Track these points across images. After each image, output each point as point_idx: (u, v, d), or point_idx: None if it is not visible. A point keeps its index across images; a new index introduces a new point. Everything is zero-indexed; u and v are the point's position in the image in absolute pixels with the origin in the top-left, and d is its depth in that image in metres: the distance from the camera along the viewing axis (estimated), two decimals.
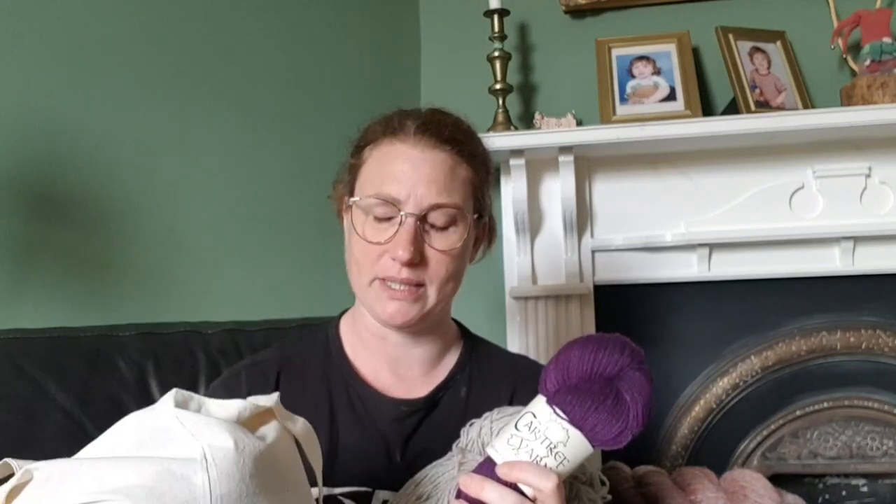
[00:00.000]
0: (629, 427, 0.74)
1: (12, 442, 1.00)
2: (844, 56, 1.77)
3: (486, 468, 0.75)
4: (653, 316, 1.79)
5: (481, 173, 0.95)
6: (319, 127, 1.73)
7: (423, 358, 0.98)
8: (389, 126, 0.92)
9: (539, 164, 1.77)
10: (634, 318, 1.79)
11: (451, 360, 1.00)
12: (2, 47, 1.35)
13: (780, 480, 1.57)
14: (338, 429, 0.93)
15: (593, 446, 0.75)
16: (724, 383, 1.77)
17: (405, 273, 0.88)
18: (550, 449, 0.73)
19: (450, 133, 0.91)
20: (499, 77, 1.77)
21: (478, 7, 1.80)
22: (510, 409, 0.87)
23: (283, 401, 0.89)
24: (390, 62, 1.94)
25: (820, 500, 1.80)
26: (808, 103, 1.75)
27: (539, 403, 0.76)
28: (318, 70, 1.80)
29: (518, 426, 0.75)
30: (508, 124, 1.76)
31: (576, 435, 0.73)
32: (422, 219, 0.88)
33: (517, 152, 1.71)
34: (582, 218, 1.78)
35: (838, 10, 1.75)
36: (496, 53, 1.76)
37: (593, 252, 1.80)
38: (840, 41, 1.74)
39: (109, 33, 1.49)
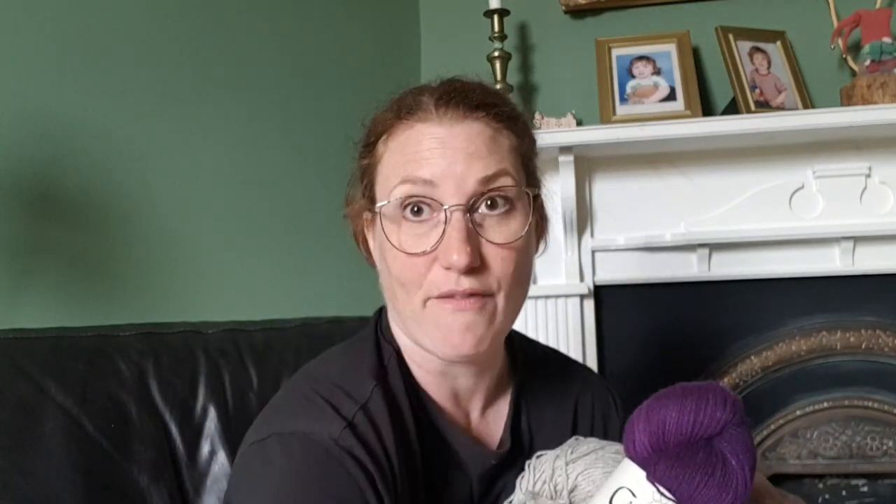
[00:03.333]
0: (739, 496, 0.64)
1: (12, 442, 1.00)
2: (844, 56, 1.77)
3: None
4: (653, 316, 1.79)
5: (527, 140, 0.77)
6: (320, 128, 1.73)
7: (486, 388, 0.80)
8: (403, 108, 0.74)
9: (539, 163, 1.77)
10: (634, 318, 1.79)
11: (510, 386, 0.83)
12: (2, 47, 1.35)
13: (780, 480, 1.57)
14: (434, 482, 0.75)
15: None
16: (724, 383, 1.77)
17: (466, 283, 0.69)
18: None
19: (479, 98, 0.73)
20: (499, 77, 1.77)
21: (478, 7, 1.80)
22: (583, 448, 0.74)
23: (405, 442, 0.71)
24: (390, 62, 1.94)
25: (820, 500, 1.79)
26: (808, 103, 1.75)
27: (635, 476, 0.64)
28: (318, 70, 1.80)
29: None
30: None
31: None
32: (469, 210, 0.69)
33: None
34: (582, 218, 1.78)
35: (838, 10, 1.75)
36: (496, 53, 1.76)
37: (593, 252, 1.80)
38: (840, 41, 1.74)
39: (109, 33, 1.49)
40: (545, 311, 1.76)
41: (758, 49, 1.78)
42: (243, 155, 1.67)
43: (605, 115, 1.76)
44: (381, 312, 0.82)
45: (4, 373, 1.04)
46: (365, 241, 0.81)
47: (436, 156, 0.70)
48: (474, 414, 0.80)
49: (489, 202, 0.70)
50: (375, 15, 1.93)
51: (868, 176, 1.73)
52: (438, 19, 1.97)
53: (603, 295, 1.80)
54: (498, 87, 1.75)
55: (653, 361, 1.79)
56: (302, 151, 1.73)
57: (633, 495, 0.64)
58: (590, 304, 1.79)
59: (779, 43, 1.81)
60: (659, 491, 0.63)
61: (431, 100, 0.73)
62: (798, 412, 1.76)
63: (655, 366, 1.78)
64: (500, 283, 0.71)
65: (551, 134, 1.69)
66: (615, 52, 1.83)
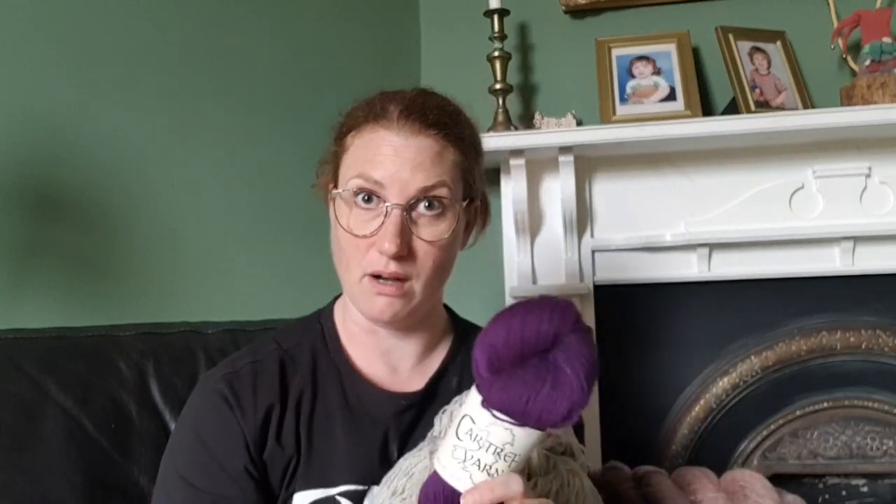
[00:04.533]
0: (575, 403, 0.66)
1: (12, 442, 1.00)
2: (844, 56, 1.77)
3: (440, 491, 0.69)
4: (653, 316, 1.79)
5: (470, 156, 0.91)
6: (320, 128, 1.72)
7: (416, 350, 0.96)
8: (372, 111, 0.89)
9: (539, 164, 1.77)
10: (634, 318, 1.78)
11: (443, 350, 0.98)
12: (2, 47, 1.35)
13: (780, 480, 1.57)
14: (335, 425, 0.91)
15: (544, 430, 0.68)
16: (724, 383, 1.77)
17: (392, 267, 0.85)
18: (498, 453, 0.67)
19: (435, 117, 0.87)
20: (499, 77, 1.77)
21: (478, 7, 1.80)
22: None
23: (290, 397, 0.90)
24: (390, 62, 1.94)
25: (820, 500, 1.80)
26: (808, 103, 1.75)
27: (475, 402, 0.68)
28: (318, 70, 1.80)
29: (459, 434, 0.68)
30: (508, 124, 1.76)
31: (521, 432, 0.67)
32: (408, 209, 0.85)
33: (517, 152, 1.71)
34: (582, 218, 1.78)
35: (838, 10, 1.75)
36: (496, 53, 1.76)
37: (593, 252, 1.80)
38: (840, 41, 1.74)
39: (109, 34, 1.49)
40: None
41: (758, 49, 1.78)
42: (243, 155, 1.67)
43: (605, 115, 1.76)
44: (335, 298, 1.00)
45: (4, 373, 1.04)
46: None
47: (388, 161, 0.85)
48: (404, 370, 0.96)
49: (427, 203, 0.86)
50: (375, 15, 1.93)
51: (868, 176, 1.73)
52: (438, 19, 1.97)
53: (603, 295, 1.80)
54: (497, 86, 1.77)
55: (653, 361, 1.79)
56: (302, 151, 1.72)
57: (473, 422, 0.68)
58: (590, 304, 1.78)
59: (779, 43, 1.81)
60: (493, 415, 0.67)
61: (396, 110, 0.87)
62: (798, 412, 1.76)
63: (655, 366, 1.78)
64: (419, 273, 0.87)
65: (551, 134, 1.70)
66: (615, 52, 1.83)
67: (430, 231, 0.87)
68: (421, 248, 0.86)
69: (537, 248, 1.80)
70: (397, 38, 1.96)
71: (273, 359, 0.93)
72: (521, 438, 0.67)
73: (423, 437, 0.90)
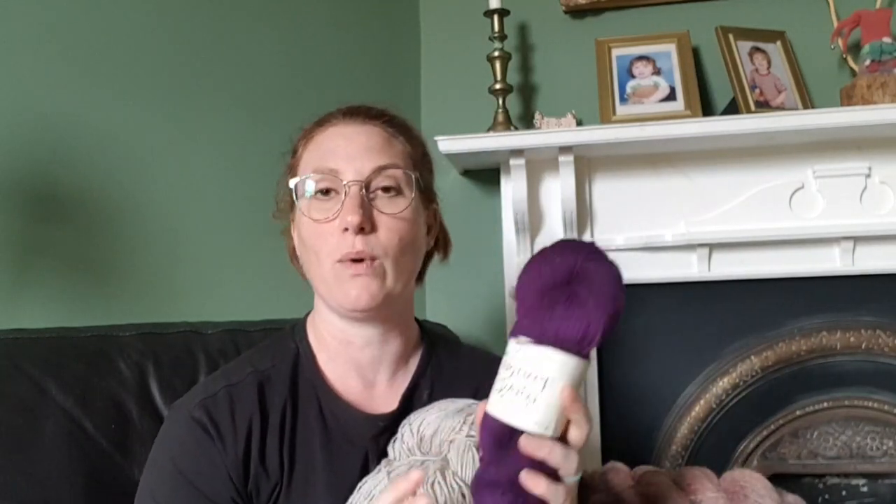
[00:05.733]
0: (593, 321, 0.69)
1: (12, 442, 1.00)
2: (844, 56, 1.77)
3: (484, 422, 0.71)
4: (653, 316, 1.79)
5: (418, 150, 0.95)
6: None
7: (391, 359, 0.95)
8: (317, 121, 0.96)
9: (539, 164, 1.77)
10: (634, 318, 1.78)
11: (413, 362, 0.98)
12: (2, 47, 1.35)
13: (780, 480, 1.57)
14: (315, 449, 0.90)
15: (574, 354, 0.70)
16: (724, 383, 1.77)
17: (359, 244, 0.87)
18: (528, 376, 0.69)
19: (377, 111, 0.94)
20: (499, 77, 1.77)
21: (478, 7, 1.80)
22: (425, 408, 0.88)
23: (271, 421, 0.90)
24: (390, 62, 1.94)
25: (820, 500, 1.80)
26: (808, 103, 1.75)
27: (509, 339, 0.73)
28: (317, 70, 1.80)
29: (500, 370, 0.73)
30: (508, 124, 1.76)
31: (545, 351, 0.69)
32: (366, 187, 0.88)
33: (517, 152, 1.71)
34: (582, 218, 1.78)
35: (838, 10, 1.75)
36: (496, 53, 1.76)
37: None
38: (840, 41, 1.74)
39: (109, 33, 1.49)
40: None
41: (758, 49, 1.78)
42: (243, 155, 1.67)
43: (605, 115, 1.76)
44: (305, 315, 1.00)
45: (4, 373, 1.04)
46: (292, 246, 0.99)
47: (341, 147, 0.90)
48: (380, 384, 0.95)
49: (383, 186, 0.89)
50: (375, 15, 1.93)
51: (868, 176, 1.73)
52: (438, 19, 1.97)
53: None
54: (497, 86, 1.77)
55: (653, 361, 1.79)
56: None
57: (507, 353, 0.73)
58: None
59: (779, 43, 1.81)
60: (518, 341, 0.71)
61: (340, 112, 0.94)
62: (798, 412, 1.76)
63: (655, 366, 1.78)
64: (387, 249, 0.88)
65: (551, 134, 1.69)
66: (615, 52, 1.83)
67: (391, 205, 0.89)
68: (383, 222, 0.88)
69: (537, 248, 1.78)
70: (397, 38, 1.96)
71: (250, 382, 0.91)
72: (547, 359, 0.69)
73: None
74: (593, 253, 0.74)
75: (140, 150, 1.51)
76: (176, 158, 1.56)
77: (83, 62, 1.45)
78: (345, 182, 0.88)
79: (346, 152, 0.89)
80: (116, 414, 1.08)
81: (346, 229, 0.87)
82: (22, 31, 1.38)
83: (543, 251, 0.76)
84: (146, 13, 1.55)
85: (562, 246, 0.75)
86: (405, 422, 0.88)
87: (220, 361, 1.16)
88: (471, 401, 0.90)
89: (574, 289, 0.71)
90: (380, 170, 0.89)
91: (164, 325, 1.22)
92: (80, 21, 1.46)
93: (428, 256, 1.01)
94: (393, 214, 0.89)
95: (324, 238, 0.89)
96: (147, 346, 1.15)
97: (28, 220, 1.36)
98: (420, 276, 1.00)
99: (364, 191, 0.88)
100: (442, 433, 0.84)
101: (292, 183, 0.93)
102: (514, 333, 0.72)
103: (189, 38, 1.62)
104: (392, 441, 0.89)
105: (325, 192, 0.89)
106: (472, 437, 0.80)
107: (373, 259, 0.88)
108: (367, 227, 0.87)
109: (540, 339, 0.70)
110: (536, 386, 0.69)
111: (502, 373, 0.72)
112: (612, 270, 0.73)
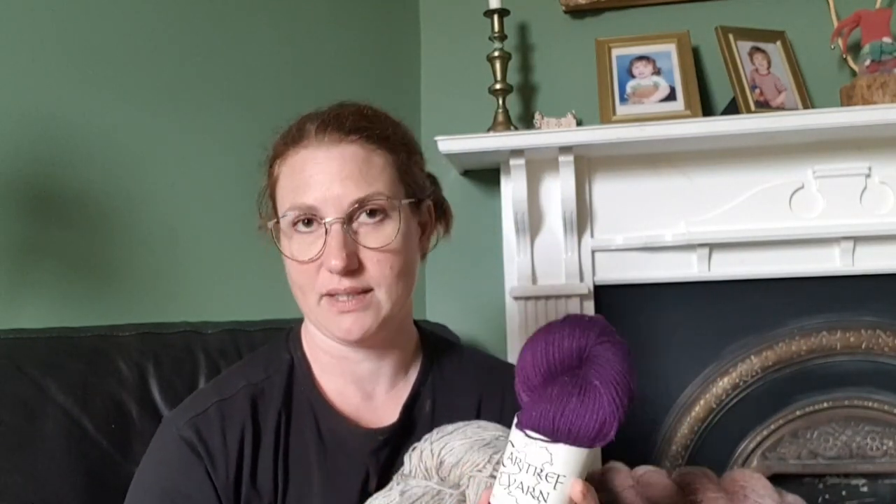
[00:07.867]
0: (609, 416, 0.65)
1: (12, 442, 1.00)
2: (844, 56, 1.77)
3: None
4: (653, 316, 1.79)
5: (401, 154, 0.88)
6: None
7: (390, 371, 0.92)
8: (290, 135, 0.89)
9: (539, 164, 1.77)
10: (634, 318, 1.79)
11: (413, 372, 0.94)
12: (2, 47, 1.35)
13: (780, 480, 1.57)
14: (311, 466, 0.86)
15: (585, 447, 0.67)
16: (724, 383, 1.77)
17: (346, 283, 0.82)
18: (538, 474, 0.66)
19: (352, 123, 0.85)
20: (499, 77, 1.77)
21: (478, 7, 1.80)
22: (450, 428, 0.83)
23: (264, 438, 0.86)
24: (390, 62, 1.94)
25: (820, 500, 1.80)
26: (808, 103, 1.75)
27: (513, 428, 0.69)
28: (317, 69, 1.80)
29: (504, 461, 0.69)
30: (508, 124, 1.76)
31: (558, 449, 0.66)
32: (347, 221, 0.82)
33: (517, 152, 1.71)
34: (582, 218, 1.78)
35: (838, 10, 1.75)
36: (496, 53, 1.76)
37: (593, 252, 1.80)
38: (840, 41, 1.74)
39: (109, 32, 1.49)
40: (545, 311, 1.76)
41: (758, 49, 1.78)
42: (243, 155, 1.66)
43: (605, 115, 1.76)
44: (299, 323, 0.95)
45: (4, 373, 1.04)
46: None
47: (316, 183, 0.83)
48: (379, 395, 0.91)
49: (367, 212, 0.83)
50: (375, 15, 1.93)
51: (868, 176, 1.73)
52: (438, 19, 1.97)
53: (603, 295, 1.80)
54: (497, 86, 1.77)
55: (652, 362, 1.78)
56: None
57: (513, 445, 0.68)
58: (590, 304, 1.79)
59: (779, 43, 1.81)
60: (527, 435, 0.67)
61: (313, 127, 0.86)
62: (798, 412, 1.76)
63: (655, 366, 1.78)
64: (378, 281, 0.83)
65: (551, 134, 1.69)
66: (615, 52, 1.83)
67: (375, 238, 0.83)
68: (370, 257, 0.83)
69: (537, 248, 1.80)
70: (397, 38, 1.96)
71: (242, 396, 0.88)
72: (559, 456, 0.66)
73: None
74: (604, 333, 0.69)
75: (140, 150, 1.51)
76: (176, 158, 1.56)
77: (83, 63, 1.45)
78: (325, 221, 0.82)
79: (323, 185, 0.82)
80: (116, 414, 1.08)
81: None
82: (22, 31, 1.38)
83: (550, 327, 0.71)
84: (146, 14, 1.55)
85: (571, 324, 0.70)
86: (426, 437, 0.84)
87: (219, 361, 1.16)
88: (499, 433, 0.84)
89: (588, 380, 0.67)
90: (360, 202, 0.82)
91: (164, 325, 1.22)
92: (80, 21, 1.46)
93: (427, 238, 0.95)
94: (380, 248, 0.83)
95: (307, 274, 0.84)
96: (147, 346, 1.15)
97: (28, 221, 1.36)
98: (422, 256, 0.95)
99: (346, 226, 0.82)
100: (464, 465, 0.80)
101: (271, 224, 0.89)
102: (522, 425, 0.68)
103: (189, 39, 1.61)
104: (410, 450, 0.84)
105: (308, 222, 0.84)
106: (495, 478, 0.74)
107: (365, 291, 0.83)
108: (353, 265, 0.82)
109: (553, 437, 0.66)
110: (548, 485, 0.66)
111: (509, 466, 0.68)
112: (624, 351, 0.69)
